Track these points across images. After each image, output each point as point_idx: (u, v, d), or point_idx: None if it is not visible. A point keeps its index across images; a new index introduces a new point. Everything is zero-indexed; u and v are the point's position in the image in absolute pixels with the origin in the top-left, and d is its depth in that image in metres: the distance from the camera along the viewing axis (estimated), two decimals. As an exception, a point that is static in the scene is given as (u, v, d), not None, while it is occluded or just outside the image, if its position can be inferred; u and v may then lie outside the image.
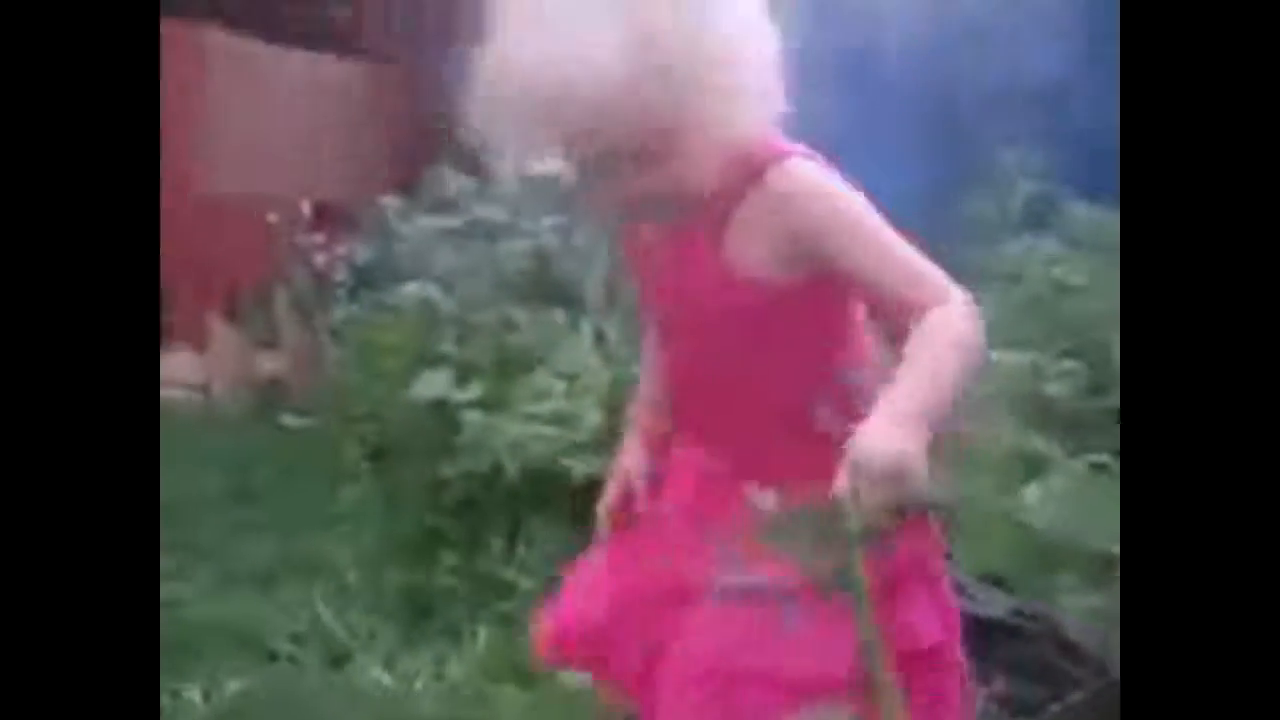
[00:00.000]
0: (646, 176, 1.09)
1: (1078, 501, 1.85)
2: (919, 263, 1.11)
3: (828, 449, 1.08)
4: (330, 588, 2.22)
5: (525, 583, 2.12)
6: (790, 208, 1.13)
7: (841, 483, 1.00)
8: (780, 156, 1.14)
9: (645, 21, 1.06)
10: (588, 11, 1.07)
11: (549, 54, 1.06)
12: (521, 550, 2.21)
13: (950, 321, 1.07)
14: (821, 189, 1.14)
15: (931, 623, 1.20)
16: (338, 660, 1.96)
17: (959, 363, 1.06)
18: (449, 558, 2.26)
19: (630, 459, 1.30)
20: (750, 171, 1.13)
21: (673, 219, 1.15)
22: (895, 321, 1.10)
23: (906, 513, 1.03)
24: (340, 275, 3.35)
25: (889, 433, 1.00)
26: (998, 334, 2.34)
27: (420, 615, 2.12)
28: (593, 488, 1.59)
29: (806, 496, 1.05)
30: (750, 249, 1.14)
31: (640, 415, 1.33)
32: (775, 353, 1.18)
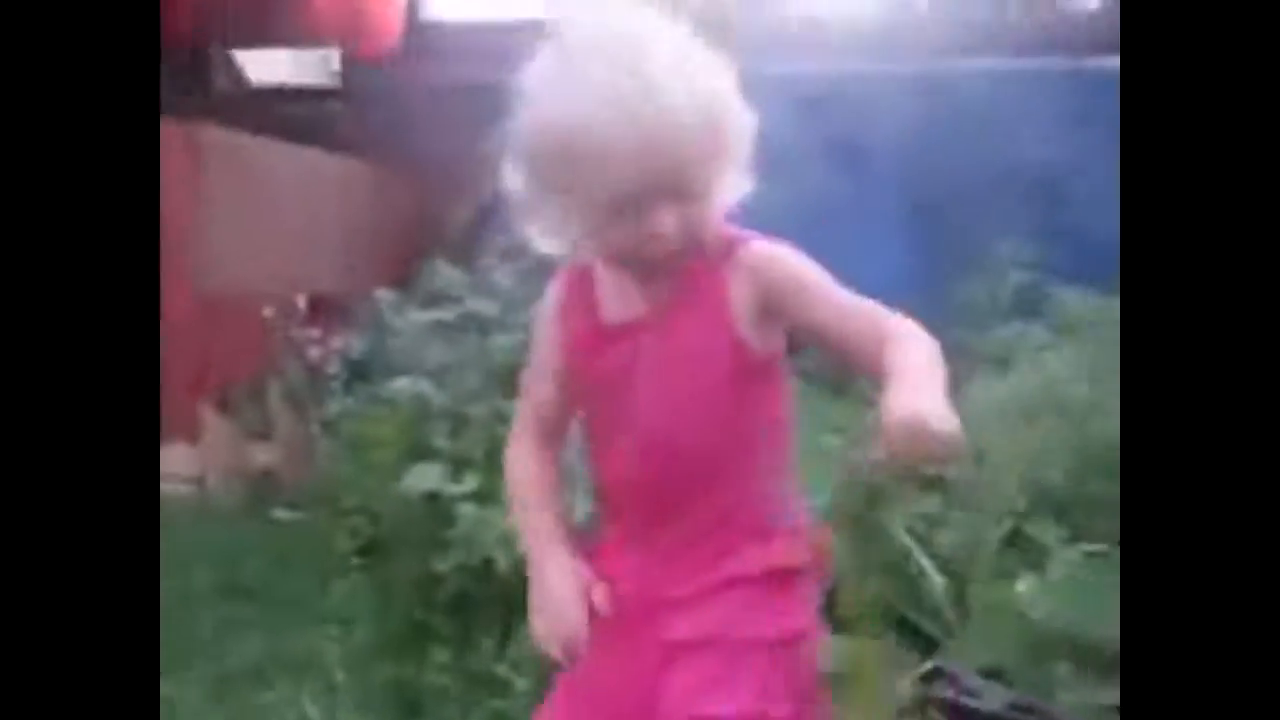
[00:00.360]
0: (666, 218, 1.16)
1: (1075, 591, 1.83)
2: (878, 307, 1.20)
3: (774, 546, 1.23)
4: (319, 685, 2.19)
5: (518, 681, 2.08)
6: (762, 277, 1.22)
7: (891, 438, 1.05)
8: (743, 234, 1.24)
9: (697, 75, 1.16)
10: (646, 57, 1.16)
11: (609, 97, 1.13)
12: (514, 647, 2.17)
13: (920, 335, 1.16)
14: (785, 256, 1.24)
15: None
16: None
17: (939, 369, 1.12)
18: (440, 654, 2.22)
19: (573, 577, 1.25)
20: (724, 245, 1.23)
21: (660, 275, 1.22)
22: (866, 361, 1.17)
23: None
24: (334, 368, 3.36)
25: (915, 394, 1.06)
26: (992, 420, 2.36)
27: (410, 713, 2.08)
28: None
29: None
30: (741, 319, 1.22)
31: (556, 527, 1.29)
32: (742, 438, 1.24)
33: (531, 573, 1.28)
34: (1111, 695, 1.55)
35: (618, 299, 1.25)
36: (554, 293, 1.29)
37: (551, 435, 1.32)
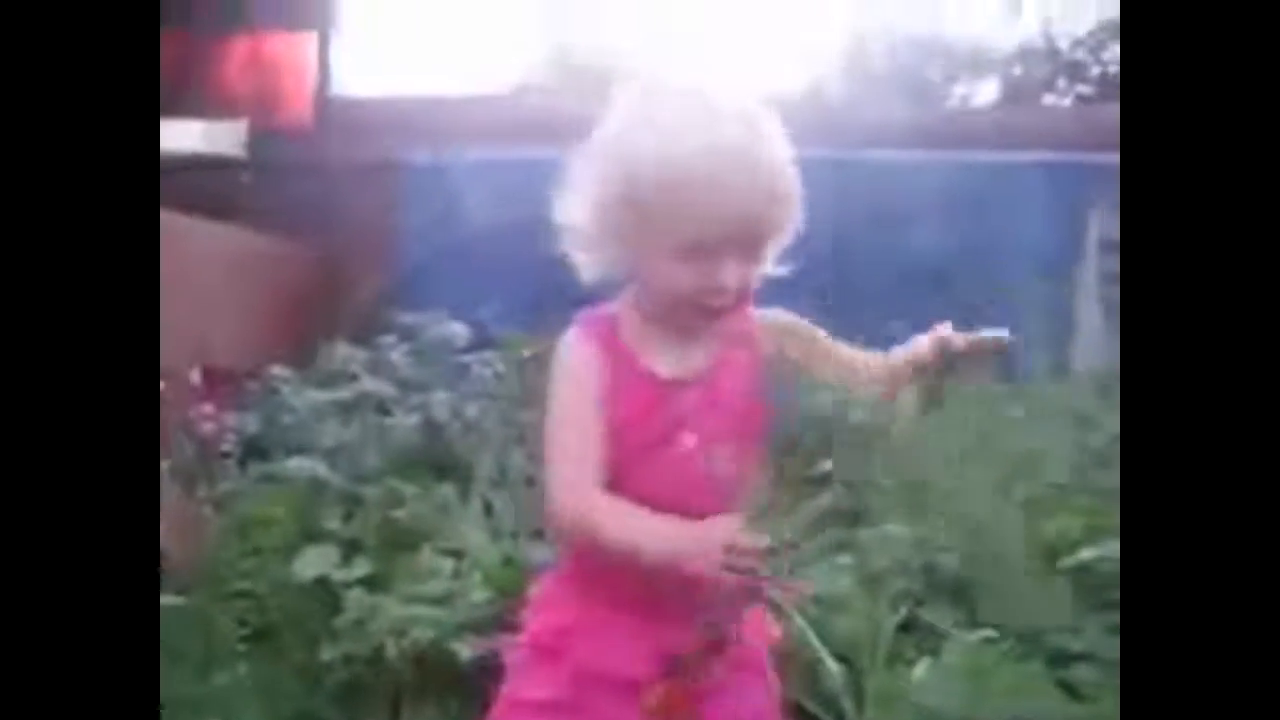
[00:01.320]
0: (736, 270, 1.20)
1: (969, 676, 1.83)
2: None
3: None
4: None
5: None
6: (783, 338, 1.30)
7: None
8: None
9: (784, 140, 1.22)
10: (755, 111, 1.21)
11: (721, 140, 1.17)
12: (404, 739, 2.10)
13: None
14: (793, 317, 1.33)
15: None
16: None
17: None
18: (327, 748, 2.14)
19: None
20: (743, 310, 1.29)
21: (700, 332, 1.26)
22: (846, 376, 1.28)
23: None
24: (227, 446, 3.26)
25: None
26: (888, 508, 2.37)
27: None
28: (477, 671, 1.52)
29: None
30: (767, 380, 1.27)
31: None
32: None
33: (676, 544, 1.19)
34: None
35: (659, 353, 1.26)
36: (585, 346, 1.26)
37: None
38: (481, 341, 2.92)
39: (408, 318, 3.02)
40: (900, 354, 1.29)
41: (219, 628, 2.63)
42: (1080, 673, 2.02)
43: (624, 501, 1.22)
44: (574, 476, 1.24)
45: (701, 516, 1.20)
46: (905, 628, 2.06)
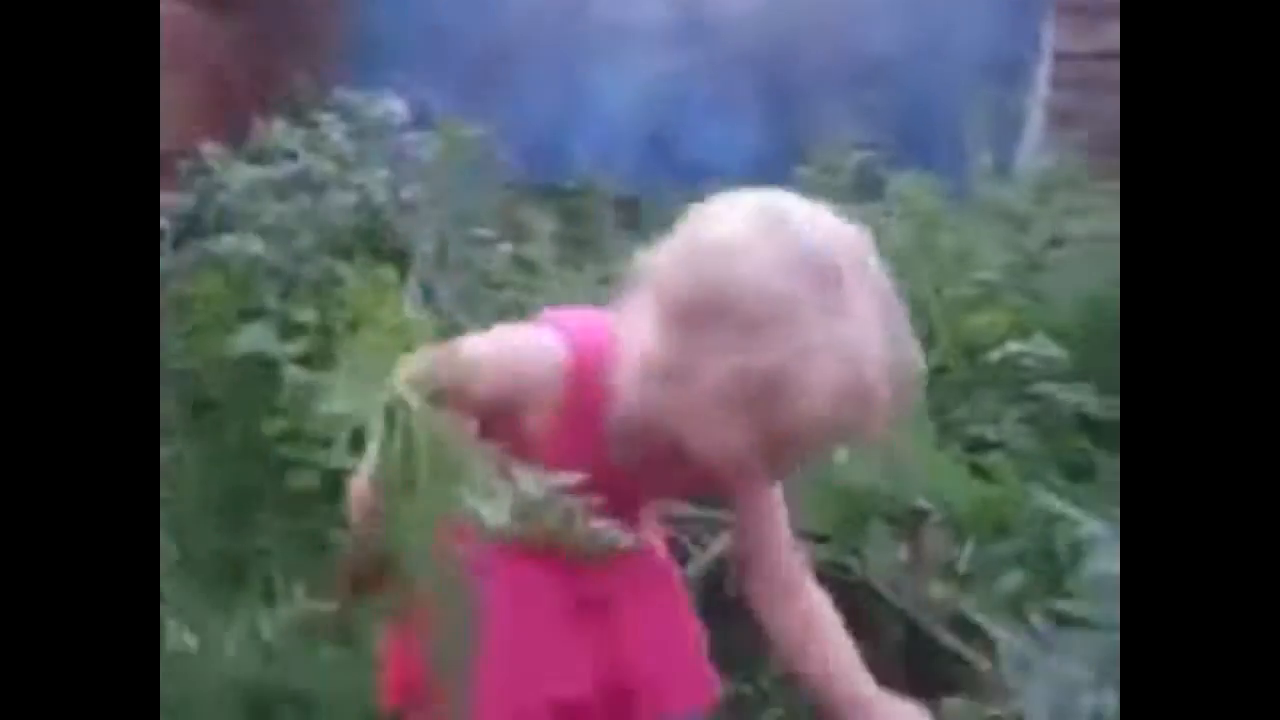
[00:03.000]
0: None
1: (888, 457, 1.91)
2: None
3: None
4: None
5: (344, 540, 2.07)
6: None
7: None
8: None
9: None
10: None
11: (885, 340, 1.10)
12: (341, 508, 2.16)
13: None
14: None
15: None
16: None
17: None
18: (268, 520, 2.20)
19: None
20: None
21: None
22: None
23: None
24: (162, 225, 3.19)
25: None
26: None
27: (234, 578, 2.06)
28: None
29: None
30: None
31: None
32: None
33: None
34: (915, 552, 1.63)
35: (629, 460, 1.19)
36: (560, 388, 1.18)
37: None
38: (422, 121, 2.86)
39: (346, 95, 2.93)
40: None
41: (159, 408, 2.65)
42: (993, 459, 2.13)
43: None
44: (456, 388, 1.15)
45: None
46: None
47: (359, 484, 1.15)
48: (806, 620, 1.30)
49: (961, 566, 1.72)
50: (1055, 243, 2.78)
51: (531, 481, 1.02)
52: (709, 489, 1.30)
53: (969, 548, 1.77)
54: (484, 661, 1.21)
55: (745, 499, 1.31)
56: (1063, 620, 1.51)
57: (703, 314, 1.09)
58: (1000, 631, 1.53)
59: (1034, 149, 3.62)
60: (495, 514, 1.00)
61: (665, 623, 1.32)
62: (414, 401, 1.01)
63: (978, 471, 2.08)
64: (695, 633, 1.40)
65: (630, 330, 1.17)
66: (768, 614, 1.31)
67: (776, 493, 1.32)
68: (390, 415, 1.02)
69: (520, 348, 1.21)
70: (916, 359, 1.14)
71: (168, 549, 2.14)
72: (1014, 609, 1.60)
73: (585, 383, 1.18)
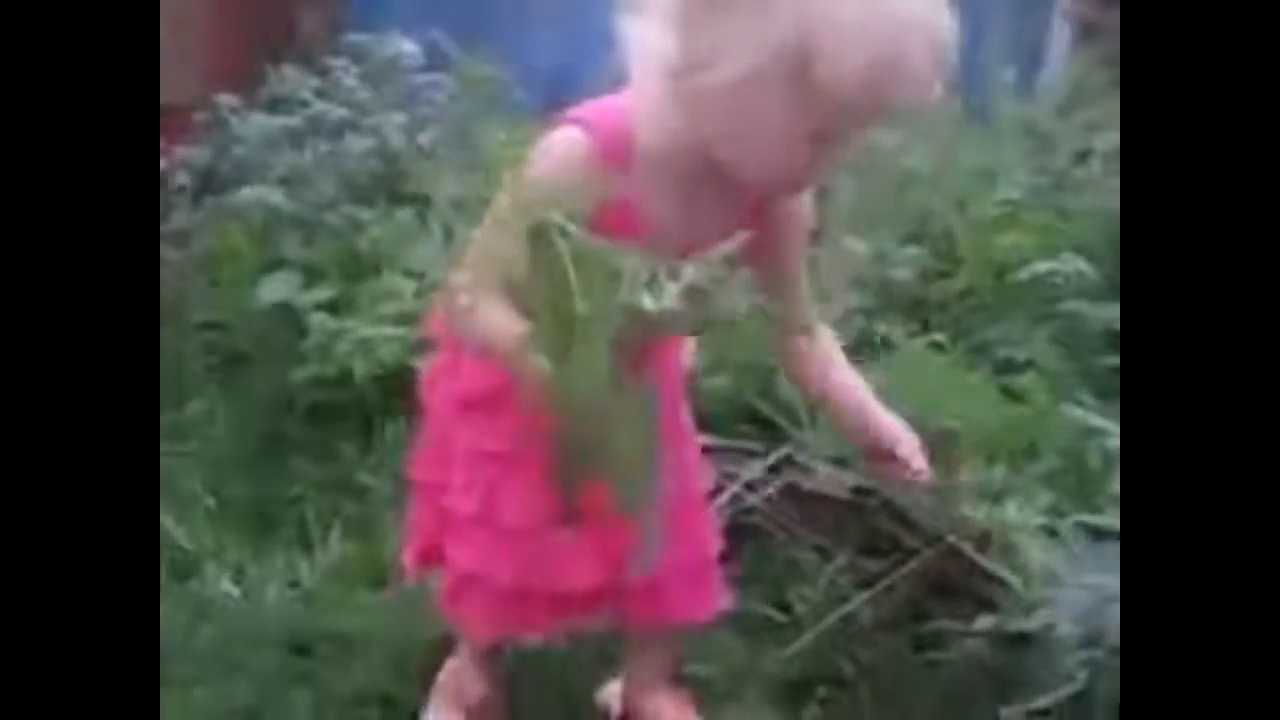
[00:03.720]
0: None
1: (918, 382, 1.90)
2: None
3: None
4: (177, 504, 2.16)
5: (378, 485, 2.09)
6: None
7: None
8: None
9: None
10: None
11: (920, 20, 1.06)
12: (373, 455, 2.17)
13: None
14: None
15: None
16: (184, 574, 1.91)
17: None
18: (299, 465, 2.22)
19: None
20: None
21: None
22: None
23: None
24: (180, 180, 3.20)
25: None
26: (846, 221, 2.39)
27: (270, 525, 2.08)
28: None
29: None
30: None
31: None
32: None
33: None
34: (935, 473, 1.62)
35: (671, 218, 1.15)
36: (588, 167, 1.13)
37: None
38: (435, 62, 2.82)
39: (357, 38, 2.90)
40: (872, 425, 1.32)
41: (187, 359, 2.67)
42: (1024, 380, 2.11)
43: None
44: (472, 282, 1.15)
45: None
46: (859, 339, 2.12)
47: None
48: (825, 356, 1.36)
49: (993, 487, 1.71)
50: (1080, 158, 2.73)
51: (689, 268, 1.00)
52: (744, 220, 1.17)
53: (1000, 469, 1.76)
54: (488, 550, 1.27)
55: (778, 226, 1.23)
56: (1095, 534, 1.51)
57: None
58: (1032, 549, 1.53)
59: (1057, 63, 3.55)
60: (657, 300, 0.98)
61: (677, 527, 1.30)
62: (557, 219, 1.00)
63: (1007, 392, 2.07)
64: (707, 541, 1.39)
65: (641, 76, 1.14)
66: (792, 358, 1.35)
67: (803, 232, 1.29)
68: (536, 239, 1.00)
69: (546, 148, 1.17)
70: (950, 23, 1.08)
71: (203, 498, 2.17)
72: (1045, 528, 1.60)
73: (611, 153, 1.14)
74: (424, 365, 1.47)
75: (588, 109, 1.19)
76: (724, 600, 1.42)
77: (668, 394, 1.31)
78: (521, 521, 1.26)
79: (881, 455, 1.34)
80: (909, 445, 1.32)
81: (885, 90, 1.06)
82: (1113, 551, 1.30)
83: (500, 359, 1.16)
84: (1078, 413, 1.76)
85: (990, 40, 3.08)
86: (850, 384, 1.36)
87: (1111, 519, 1.47)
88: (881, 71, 1.04)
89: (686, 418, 1.39)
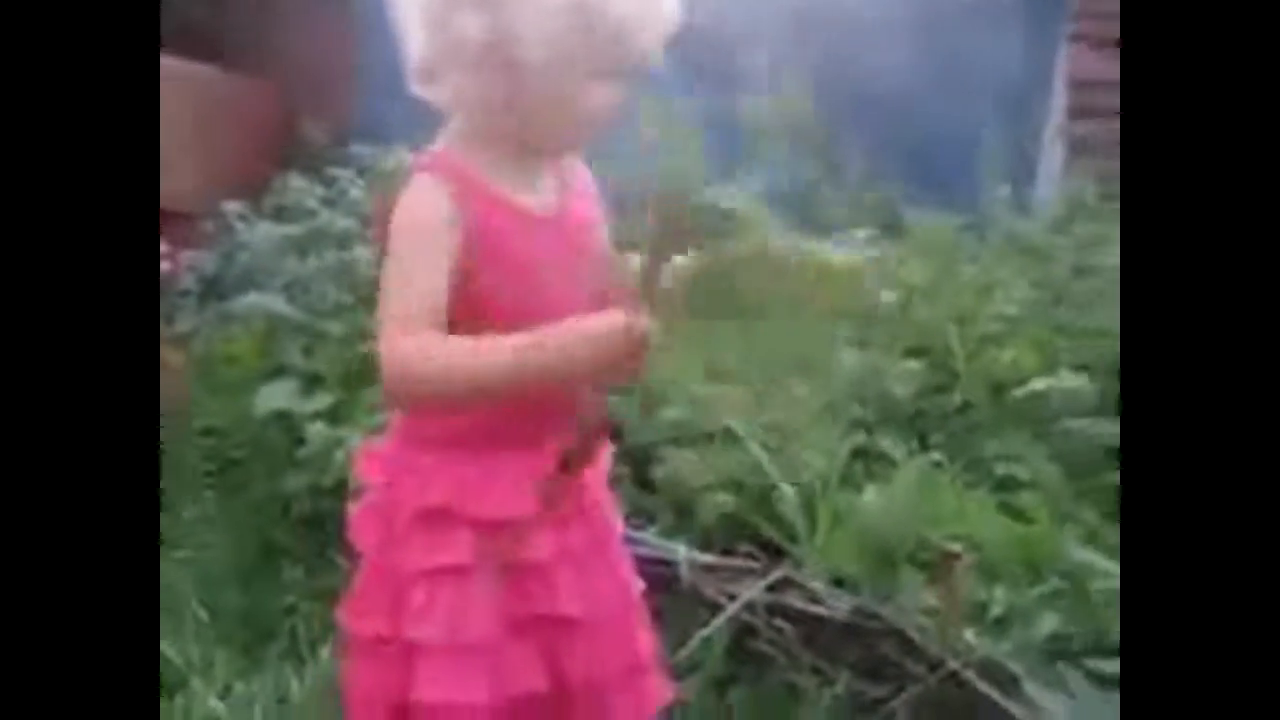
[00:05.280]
0: (614, 96, 1.20)
1: (919, 500, 1.89)
2: None
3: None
4: (168, 612, 2.13)
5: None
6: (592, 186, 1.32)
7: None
8: None
9: None
10: None
11: None
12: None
13: None
14: None
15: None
16: (171, 689, 1.87)
17: None
18: (293, 574, 2.19)
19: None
20: None
21: (543, 165, 1.26)
22: None
23: None
24: (185, 284, 3.22)
25: None
26: (843, 335, 2.40)
27: (262, 637, 2.05)
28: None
29: None
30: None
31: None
32: None
33: (569, 343, 1.16)
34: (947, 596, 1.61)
35: (517, 188, 1.23)
36: (436, 186, 1.20)
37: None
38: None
39: (363, 150, 2.96)
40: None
41: (185, 463, 2.66)
42: (1024, 499, 2.09)
43: (462, 338, 1.16)
44: (410, 320, 1.16)
45: None
46: (857, 454, 2.11)
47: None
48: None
49: (994, 610, 1.69)
50: (1078, 274, 2.75)
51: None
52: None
53: (1001, 590, 1.74)
54: (424, 659, 1.23)
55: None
56: (1101, 680, 1.46)
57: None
58: (1035, 684, 1.49)
59: (1052, 179, 3.60)
60: None
61: (611, 629, 1.30)
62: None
63: (1008, 511, 2.05)
64: (643, 642, 1.34)
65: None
66: None
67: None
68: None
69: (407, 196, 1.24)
70: None
71: (195, 610, 2.15)
72: (1049, 657, 1.57)
73: (456, 176, 1.22)
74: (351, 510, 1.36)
75: (423, 157, 1.27)
76: (666, 693, 1.37)
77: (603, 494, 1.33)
78: (487, 633, 1.24)
79: None
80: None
81: (645, 17, 1.17)
82: (1114, 700, 1.28)
83: (487, 382, 1.17)
84: (1081, 553, 1.74)
85: (985, 157, 3.14)
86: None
87: (1113, 664, 1.44)
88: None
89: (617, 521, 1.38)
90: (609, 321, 1.15)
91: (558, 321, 1.16)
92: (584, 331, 1.15)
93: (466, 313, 1.19)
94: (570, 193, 1.28)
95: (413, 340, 1.16)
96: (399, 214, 1.21)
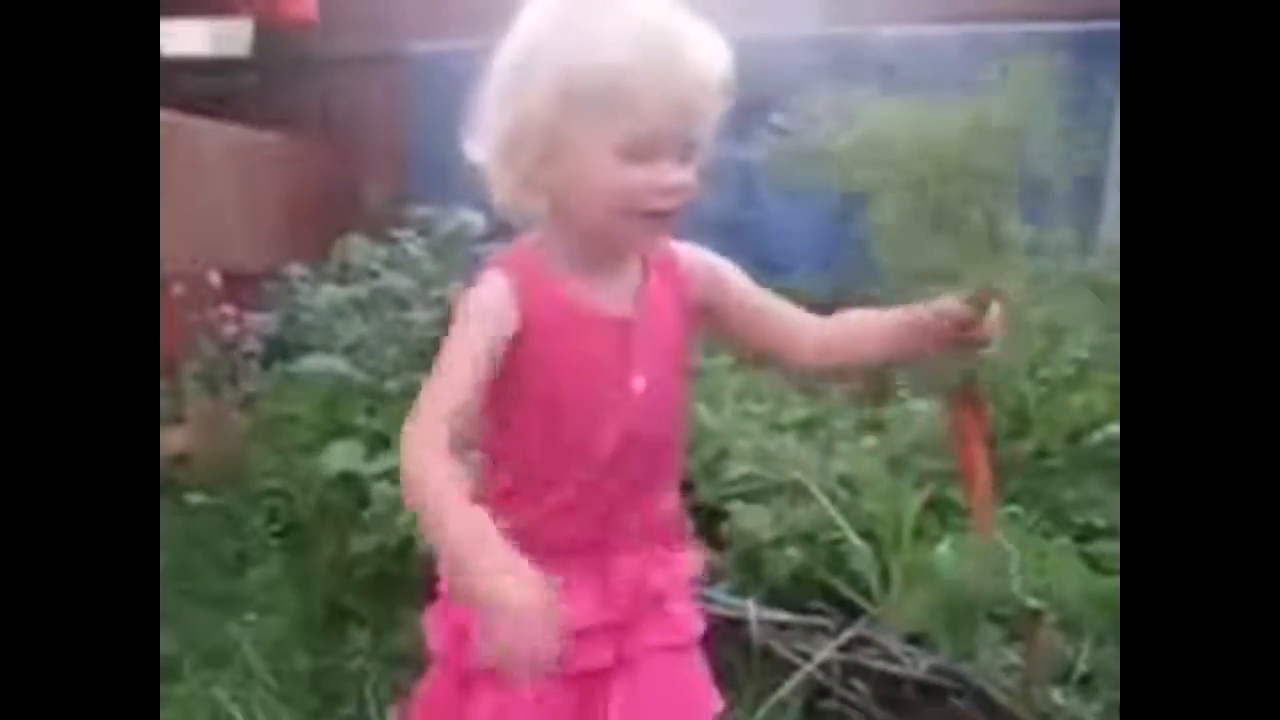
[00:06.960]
0: (680, 171, 1.16)
1: (993, 552, 1.83)
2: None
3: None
4: (235, 675, 2.13)
5: (439, 661, 2.04)
6: (707, 275, 1.26)
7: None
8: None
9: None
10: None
11: (649, 32, 1.13)
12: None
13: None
14: (717, 258, 1.28)
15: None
16: (240, 754, 1.87)
17: None
18: (359, 638, 2.18)
19: (539, 588, 1.01)
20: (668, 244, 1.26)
21: (625, 266, 1.23)
22: (791, 343, 1.29)
23: None
24: (249, 346, 3.26)
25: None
26: (912, 383, 2.35)
27: (330, 701, 2.03)
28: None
29: None
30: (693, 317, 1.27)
31: (498, 535, 1.05)
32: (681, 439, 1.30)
33: (477, 582, 1.03)
34: (1032, 654, 1.55)
35: (594, 289, 1.20)
36: (498, 279, 1.18)
37: (458, 440, 1.15)
38: (499, 229, 2.88)
39: (423, 210, 2.98)
40: (891, 317, 1.28)
41: (250, 525, 2.67)
42: (1104, 547, 2.03)
43: (457, 483, 1.09)
44: (426, 423, 1.13)
45: (652, 450, 1.22)
46: (930, 506, 2.06)
47: None
48: (836, 325, 1.30)
49: (1080, 668, 1.63)
50: (1149, 314, 2.69)
51: None
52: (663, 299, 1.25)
53: (1087, 647, 1.68)
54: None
55: (699, 283, 1.27)
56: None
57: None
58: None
59: (1115, 220, 3.53)
60: None
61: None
62: None
63: (1088, 560, 1.99)
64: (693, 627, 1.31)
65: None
66: (810, 349, 1.30)
67: (722, 267, 1.29)
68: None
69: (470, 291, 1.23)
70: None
71: (262, 675, 2.14)
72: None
73: (518, 268, 1.20)
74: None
75: (500, 252, 1.26)
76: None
77: None
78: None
79: (933, 332, 1.29)
80: (948, 303, 1.28)
81: (639, 87, 1.12)
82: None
83: (425, 529, 1.12)
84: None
85: (1049, 199, 3.08)
86: (859, 313, 1.31)
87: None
88: (632, 72, 1.12)
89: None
90: (505, 585, 1.01)
91: (588, 419, 1.18)
92: (482, 571, 1.03)
93: (501, 396, 1.18)
94: (653, 295, 1.23)
95: (427, 449, 1.13)
96: (461, 303, 1.21)
